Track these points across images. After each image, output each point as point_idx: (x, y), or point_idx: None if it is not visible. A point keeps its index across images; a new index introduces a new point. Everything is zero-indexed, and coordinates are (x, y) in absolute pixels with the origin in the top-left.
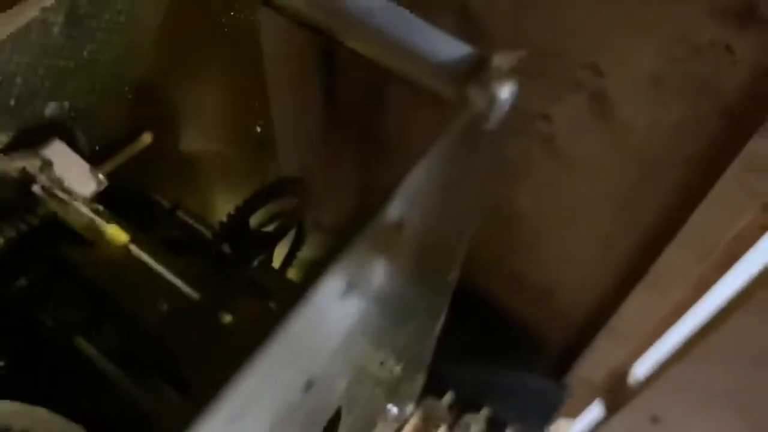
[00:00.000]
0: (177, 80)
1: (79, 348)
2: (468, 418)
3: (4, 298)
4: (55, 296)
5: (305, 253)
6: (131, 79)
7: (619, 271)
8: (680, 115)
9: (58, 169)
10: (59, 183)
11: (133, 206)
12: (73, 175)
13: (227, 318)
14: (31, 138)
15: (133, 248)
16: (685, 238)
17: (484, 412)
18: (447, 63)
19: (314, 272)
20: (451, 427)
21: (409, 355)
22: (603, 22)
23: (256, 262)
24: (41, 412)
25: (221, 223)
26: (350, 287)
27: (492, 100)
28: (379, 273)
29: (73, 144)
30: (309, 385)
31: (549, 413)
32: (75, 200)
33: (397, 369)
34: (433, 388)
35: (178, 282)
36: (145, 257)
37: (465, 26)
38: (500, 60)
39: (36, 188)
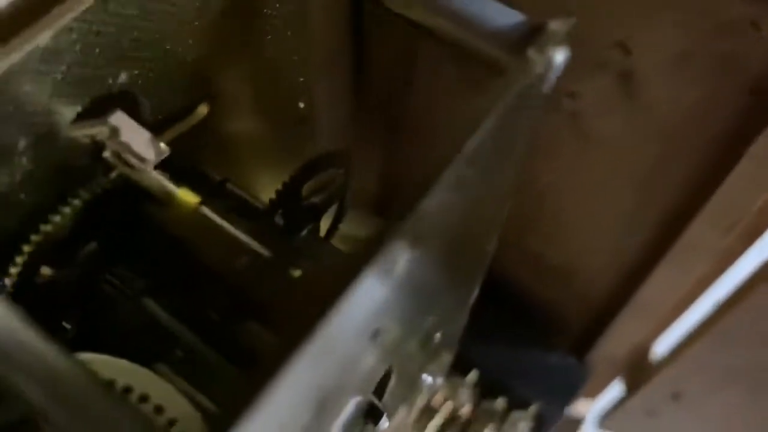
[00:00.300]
0: (230, 56)
1: (148, 309)
2: (516, 415)
3: (76, 260)
4: (127, 258)
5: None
6: (189, 53)
7: (642, 249)
8: (706, 92)
9: (125, 137)
10: (127, 148)
11: (185, 178)
12: (138, 142)
13: (297, 273)
14: (99, 107)
15: (204, 209)
16: (709, 215)
17: (533, 409)
18: (504, 29)
19: (385, 229)
20: (499, 425)
21: (448, 324)
22: (632, 1)
23: (305, 232)
24: (142, 371)
25: (277, 191)
26: (414, 245)
27: (549, 63)
28: (436, 234)
29: (138, 113)
30: (375, 334)
31: (571, 391)
32: (143, 165)
33: (438, 336)
34: (457, 367)
35: (249, 240)
36: (216, 218)
37: None
38: (556, 25)
39: (106, 154)
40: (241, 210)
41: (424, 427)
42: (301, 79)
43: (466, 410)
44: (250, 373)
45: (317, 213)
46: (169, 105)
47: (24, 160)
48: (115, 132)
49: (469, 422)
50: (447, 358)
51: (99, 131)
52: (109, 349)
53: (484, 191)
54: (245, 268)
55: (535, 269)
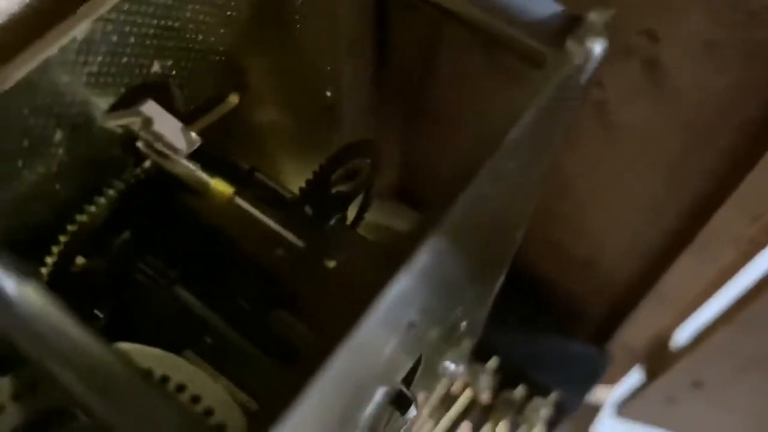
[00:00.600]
0: (260, 46)
1: (181, 298)
2: (537, 402)
3: (110, 250)
4: (160, 247)
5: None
6: (221, 43)
7: (666, 238)
8: (733, 80)
9: (157, 127)
10: (160, 138)
11: (216, 168)
12: (170, 132)
13: (332, 264)
14: (132, 97)
15: (239, 200)
16: (735, 204)
17: (553, 396)
18: (542, 20)
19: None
20: (519, 412)
21: (474, 313)
22: None
23: (333, 221)
24: (178, 361)
25: (307, 181)
26: (448, 238)
27: (588, 55)
28: (469, 226)
29: (170, 103)
30: (411, 326)
31: (591, 379)
32: (175, 155)
33: (463, 325)
34: (478, 355)
35: (283, 231)
36: (250, 208)
37: None
38: (594, 16)
39: (139, 144)
40: (270, 199)
41: (443, 414)
42: (329, 68)
43: (485, 398)
44: (292, 366)
45: (345, 202)
46: (200, 95)
47: (60, 151)
48: (147, 122)
49: (488, 410)
50: (468, 345)
51: (132, 121)
52: (140, 338)
53: (519, 184)
54: (280, 259)
55: (557, 258)
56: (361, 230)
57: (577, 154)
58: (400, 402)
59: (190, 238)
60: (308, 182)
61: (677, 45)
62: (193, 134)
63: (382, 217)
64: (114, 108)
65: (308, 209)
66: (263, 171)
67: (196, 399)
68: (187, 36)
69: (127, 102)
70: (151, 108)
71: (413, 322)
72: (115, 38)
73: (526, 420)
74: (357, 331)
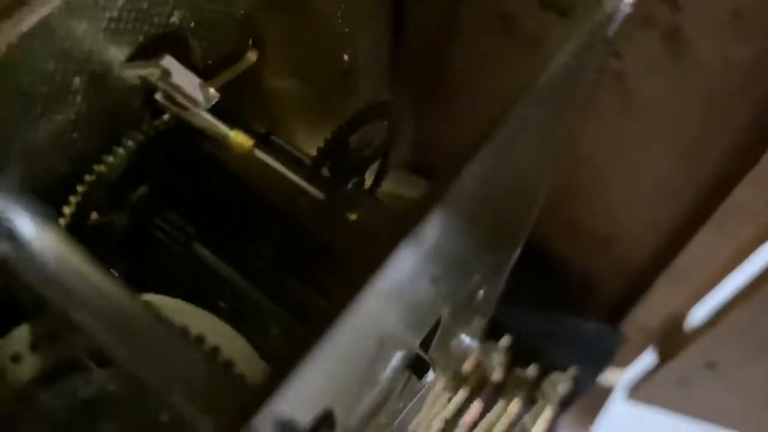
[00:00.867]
0: (277, 3)
1: (199, 255)
2: (554, 376)
3: (127, 204)
4: (178, 203)
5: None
6: None
7: (683, 215)
8: (757, 52)
9: (176, 79)
10: (179, 90)
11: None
12: (188, 86)
13: (353, 216)
14: (150, 48)
15: (258, 152)
16: (755, 178)
17: (571, 371)
18: None
19: (453, 168)
20: (534, 388)
21: (490, 283)
22: None
23: (351, 184)
24: (199, 312)
25: (325, 140)
26: (476, 191)
27: (617, 3)
28: (493, 183)
29: (188, 56)
30: (434, 281)
31: (604, 359)
32: (194, 108)
33: (480, 294)
34: (489, 332)
35: (304, 184)
36: (270, 160)
37: None
38: None
39: (158, 96)
40: (287, 161)
41: (455, 391)
42: (346, 30)
43: (497, 376)
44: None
45: (363, 166)
46: (218, 50)
47: (78, 99)
48: (166, 74)
49: (500, 388)
50: (481, 322)
51: (150, 72)
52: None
53: (544, 140)
54: (302, 209)
55: (572, 235)
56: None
57: (595, 127)
58: (417, 366)
59: (209, 193)
60: (326, 142)
61: (700, 14)
62: (212, 90)
63: (397, 187)
64: (132, 58)
65: (325, 171)
66: (280, 136)
67: (215, 350)
68: None
69: (145, 53)
70: (169, 62)
71: (435, 278)
72: None
73: (543, 395)
74: (381, 278)
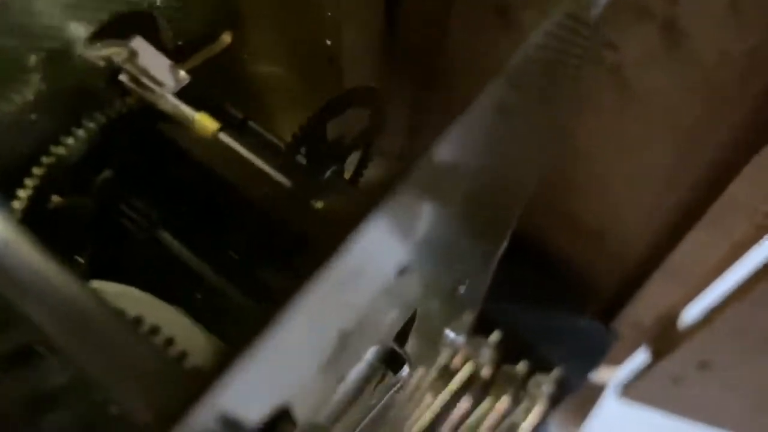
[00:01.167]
0: None
1: (164, 243)
2: (539, 378)
3: (91, 188)
4: (143, 189)
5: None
6: None
7: (679, 210)
8: (755, 44)
9: (143, 61)
10: (144, 72)
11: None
12: (156, 68)
13: (319, 204)
14: (117, 27)
15: (224, 136)
16: (751, 174)
17: (555, 372)
18: None
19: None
20: (521, 387)
21: (473, 276)
22: None
23: (329, 173)
24: (156, 301)
25: (300, 126)
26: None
27: None
28: (469, 166)
29: (156, 36)
30: (402, 271)
31: (596, 357)
32: (161, 90)
33: (462, 288)
34: (479, 327)
35: (270, 170)
36: (236, 145)
37: None
38: None
39: (122, 77)
40: (262, 148)
41: (443, 388)
42: (329, 14)
43: (486, 372)
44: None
45: (342, 154)
46: (190, 30)
47: (35, 78)
48: (133, 54)
49: (489, 384)
50: (469, 316)
51: (115, 52)
52: (122, 283)
53: (527, 128)
54: (266, 196)
55: (566, 230)
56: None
57: (591, 121)
58: (391, 360)
59: (174, 178)
60: (301, 128)
61: (697, 6)
62: (182, 72)
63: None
64: (95, 37)
65: (302, 159)
66: (258, 123)
67: (169, 341)
68: None
69: (109, 31)
70: (138, 43)
71: (405, 269)
72: None
73: (528, 395)
74: (334, 267)
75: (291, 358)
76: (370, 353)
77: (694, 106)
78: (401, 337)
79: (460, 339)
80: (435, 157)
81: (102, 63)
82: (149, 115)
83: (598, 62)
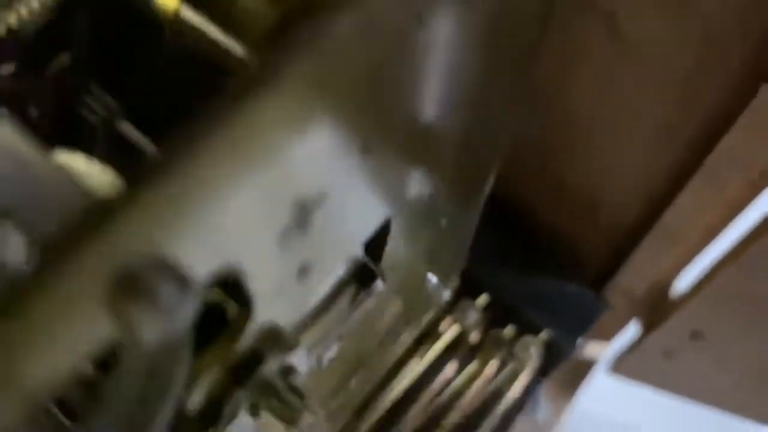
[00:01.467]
0: None
1: (124, 132)
2: (527, 339)
3: (46, 71)
4: (102, 77)
5: None
6: None
7: (673, 171)
8: None
9: None
10: None
11: None
12: None
13: None
14: None
15: (185, 13)
16: (745, 124)
17: (544, 334)
18: None
19: None
20: (508, 352)
21: (456, 215)
22: None
23: None
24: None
25: None
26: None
27: None
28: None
29: None
30: (365, 151)
31: (585, 323)
32: None
33: (444, 222)
34: (467, 291)
35: (230, 43)
36: (199, 22)
37: None
38: None
39: None
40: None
41: (428, 348)
42: None
43: (474, 337)
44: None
45: None
46: None
47: None
48: None
49: (476, 349)
50: (453, 264)
51: None
52: None
53: (490, 64)
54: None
55: (557, 196)
56: None
57: (584, 74)
58: (363, 275)
59: (134, 63)
60: None
61: None
62: None
63: None
64: None
65: None
66: None
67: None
68: None
69: None
70: None
71: (367, 148)
72: None
73: (516, 358)
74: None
75: (239, 211)
76: (340, 267)
77: (691, 55)
78: (375, 253)
79: (446, 294)
80: None
81: None
82: None
83: (593, 9)
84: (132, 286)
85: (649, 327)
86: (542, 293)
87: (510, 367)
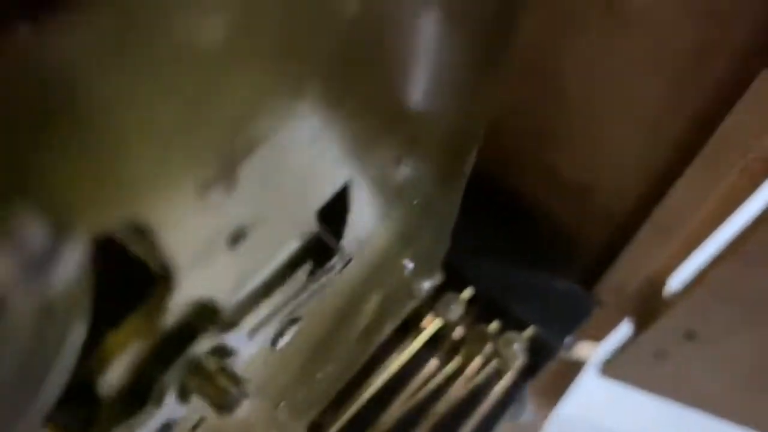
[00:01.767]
0: None
1: None
2: (510, 335)
3: None
4: None
5: None
6: None
7: (668, 160)
8: None
9: None
10: None
11: None
12: None
13: None
14: None
15: None
16: (743, 108)
17: (529, 331)
18: None
19: None
20: (494, 342)
21: (431, 196)
22: None
23: None
24: None
25: None
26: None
27: None
28: None
29: None
30: (297, 94)
31: (574, 321)
32: None
33: (416, 203)
34: (451, 284)
35: None
36: None
37: None
38: None
39: None
40: None
41: (408, 344)
42: None
43: (458, 332)
44: None
45: None
46: None
47: None
48: None
49: (459, 344)
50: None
51: None
52: None
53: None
54: None
55: (549, 184)
56: None
57: (579, 49)
58: (319, 250)
59: None
60: None
61: None
62: None
63: None
64: None
65: None
66: None
67: None
68: None
69: None
70: None
71: (296, 91)
72: None
73: (499, 355)
74: None
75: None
76: (291, 239)
77: (688, 29)
78: (335, 228)
79: (426, 285)
80: None
81: None
82: None
83: None
84: None
85: (641, 327)
86: (530, 288)
87: (493, 365)
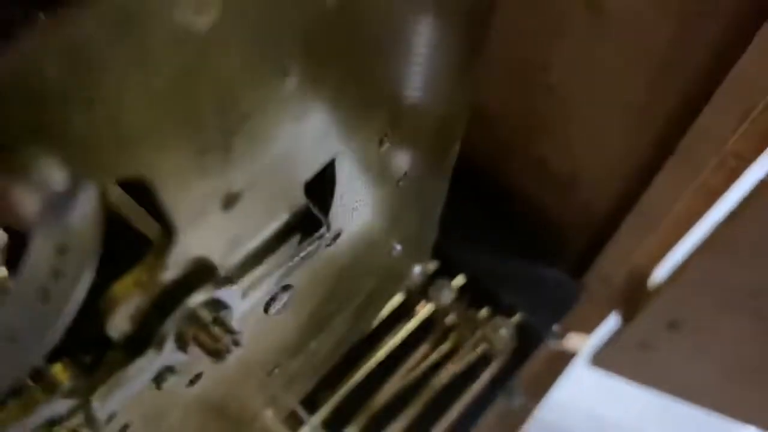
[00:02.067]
0: None
1: None
2: (498, 321)
3: None
4: None
5: None
6: None
7: (651, 151)
8: None
9: None
10: None
11: None
12: None
13: None
14: None
15: None
16: (718, 101)
17: (516, 318)
18: None
19: None
20: (484, 328)
21: (418, 180)
22: None
23: None
24: None
25: None
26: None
27: None
28: None
29: None
30: (285, 73)
31: (561, 308)
32: None
33: (402, 184)
34: (444, 271)
35: None
36: None
37: None
38: None
39: None
40: None
41: (401, 327)
42: None
43: (449, 318)
44: None
45: None
46: None
47: None
48: None
49: (450, 329)
50: (421, 242)
51: None
52: None
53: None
54: None
55: (536, 177)
56: None
57: (564, 48)
58: (306, 223)
59: None
60: None
61: None
62: None
63: None
64: None
65: None
66: None
67: None
68: None
69: None
70: None
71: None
72: None
73: (488, 339)
74: None
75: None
76: (281, 209)
77: (669, 25)
78: (321, 204)
79: (418, 270)
80: None
81: None
82: None
83: None
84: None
85: (627, 318)
86: (519, 276)
87: (482, 349)
